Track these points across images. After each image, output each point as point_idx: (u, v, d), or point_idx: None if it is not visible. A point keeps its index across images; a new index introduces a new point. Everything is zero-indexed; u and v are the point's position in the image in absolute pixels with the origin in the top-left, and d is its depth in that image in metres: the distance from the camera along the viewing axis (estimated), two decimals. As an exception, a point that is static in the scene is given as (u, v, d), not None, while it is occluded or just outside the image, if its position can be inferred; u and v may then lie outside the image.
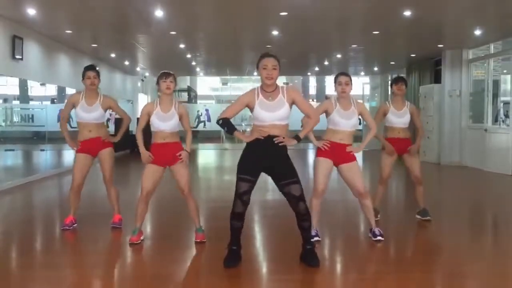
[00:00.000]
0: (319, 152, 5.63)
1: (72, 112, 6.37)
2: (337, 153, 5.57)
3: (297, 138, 4.82)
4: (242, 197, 4.70)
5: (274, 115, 4.68)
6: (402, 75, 16.01)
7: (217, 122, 4.88)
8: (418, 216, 6.82)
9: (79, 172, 6.21)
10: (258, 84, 4.90)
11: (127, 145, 15.14)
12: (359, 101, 5.85)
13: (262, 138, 4.67)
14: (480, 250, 5.79)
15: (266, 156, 4.69)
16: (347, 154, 5.58)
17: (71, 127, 6.59)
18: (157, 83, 5.54)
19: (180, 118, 5.57)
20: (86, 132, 6.17)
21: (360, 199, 5.74)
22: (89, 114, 6.14)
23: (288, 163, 4.78)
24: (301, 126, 5.38)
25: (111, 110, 6.45)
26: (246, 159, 4.77)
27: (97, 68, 6.33)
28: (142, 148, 5.55)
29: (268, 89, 4.75)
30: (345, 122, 5.55)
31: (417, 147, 6.69)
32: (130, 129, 16.91)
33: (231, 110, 4.84)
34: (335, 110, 5.57)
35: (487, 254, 5.64)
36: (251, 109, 4.79)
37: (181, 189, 5.61)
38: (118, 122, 12.77)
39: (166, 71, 5.56)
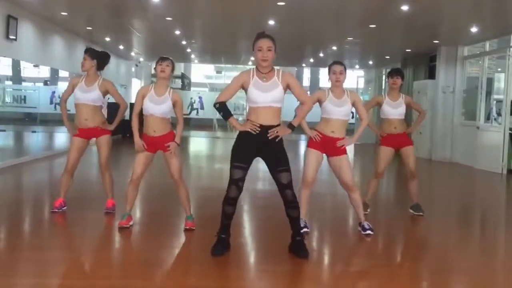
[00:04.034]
0: (310, 143, 5.64)
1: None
2: (328, 146, 5.57)
3: (290, 126, 4.80)
4: (237, 182, 4.71)
5: (267, 95, 4.67)
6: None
7: (214, 106, 4.86)
8: (411, 211, 6.83)
9: (74, 154, 6.19)
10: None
11: (119, 130, 15.08)
12: (354, 92, 5.85)
13: (254, 133, 4.67)
14: (469, 246, 5.84)
15: (259, 144, 4.70)
16: (338, 147, 5.58)
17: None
18: (155, 68, 5.54)
19: (174, 105, 5.54)
20: (82, 120, 6.14)
21: (348, 192, 5.74)
22: (86, 95, 6.11)
23: (281, 150, 4.77)
24: (295, 116, 5.35)
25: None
26: (239, 147, 4.77)
27: (90, 49, 6.30)
28: (136, 136, 5.53)
29: (264, 70, 4.74)
30: (337, 110, 5.55)
31: (416, 126, 6.87)
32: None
33: (228, 92, 4.83)
34: (328, 98, 5.57)
35: (475, 250, 5.69)
36: (246, 90, 4.77)
37: (172, 174, 5.61)
38: (111, 107, 12.69)
39: (164, 56, 5.55)
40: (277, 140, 4.70)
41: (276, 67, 4.85)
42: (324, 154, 5.66)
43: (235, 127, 4.85)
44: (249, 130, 4.68)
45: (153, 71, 5.67)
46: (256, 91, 4.69)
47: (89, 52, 6.25)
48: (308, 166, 5.62)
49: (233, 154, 4.77)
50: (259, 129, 4.66)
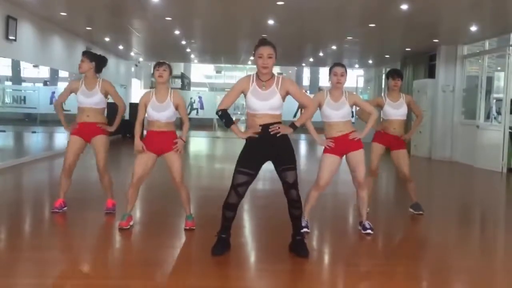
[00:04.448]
0: (326, 149, 5.61)
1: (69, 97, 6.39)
2: (343, 145, 5.54)
3: (293, 126, 4.81)
4: (237, 188, 4.70)
5: (265, 104, 4.67)
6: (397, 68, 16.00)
7: (217, 113, 4.88)
8: (411, 210, 6.83)
9: (71, 154, 6.18)
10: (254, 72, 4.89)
11: (119, 130, 15.10)
12: (353, 93, 5.84)
13: (257, 136, 4.67)
14: (469, 245, 5.84)
15: (267, 146, 4.69)
16: (353, 142, 5.55)
17: (64, 110, 6.58)
18: (153, 74, 5.58)
19: (177, 108, 5.56)
20: (84, 116, 6.15)
21: (358, 190, 5.74)
22: (89, 99, 6.12)
23: (289, 148, 4.77)
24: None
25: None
26: (246, 152, 4.76)
27: (89, 51, 6.30)
28: (137, 138, 5.55)
29: (263, 78, 4.75)
30: (335, 114, 5.53)
31: (413, 133, 6.89)
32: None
33: (228, 99, 4.85)
34: (326, 102, 5.56)
35: (475, 250, 5.69)
36: (245, 96, 4.79)
37: (173, 177, 5.60)
38: (110, 107, 12.70)
39: (160, 61, 5.59)
40: (277, 135, 4.68)
41: (277, 72, 4.85)
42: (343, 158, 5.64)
43: (237, 134, 4.86)
44: (251, 135, 4.69)
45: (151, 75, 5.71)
46: (254, 99, 4.69)
47: (87, 54, 6.27)
48: (323, 170, 5.59)
49: (239, 159, 4.76)
50: (261, 129, 4.66)
